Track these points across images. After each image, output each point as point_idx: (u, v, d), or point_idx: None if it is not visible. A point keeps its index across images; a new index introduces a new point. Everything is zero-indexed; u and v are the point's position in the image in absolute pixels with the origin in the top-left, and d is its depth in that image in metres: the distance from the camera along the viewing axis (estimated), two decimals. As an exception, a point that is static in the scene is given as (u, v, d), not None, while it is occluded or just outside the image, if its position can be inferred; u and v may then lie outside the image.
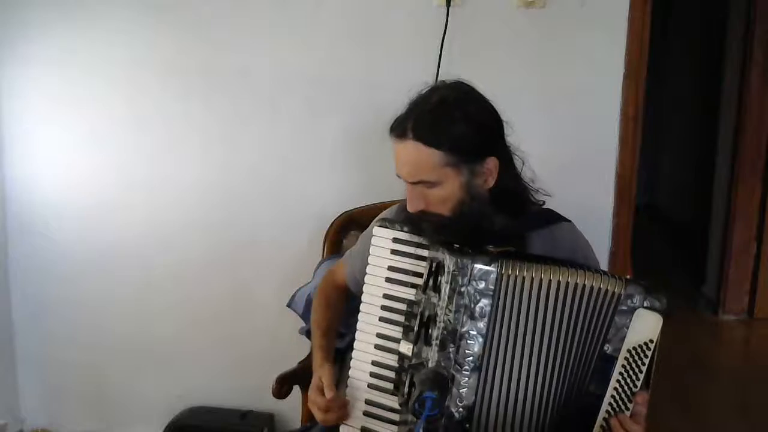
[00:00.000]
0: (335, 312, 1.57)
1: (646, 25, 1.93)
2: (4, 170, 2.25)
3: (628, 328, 1.20)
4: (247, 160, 2.14)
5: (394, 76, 2.01)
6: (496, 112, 1.34)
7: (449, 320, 1.23)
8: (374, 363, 1.32)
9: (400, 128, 1.28)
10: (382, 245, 1.34)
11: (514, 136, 1.40)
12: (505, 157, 1.35)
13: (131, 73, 2.12)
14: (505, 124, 1.35)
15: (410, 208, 1.31)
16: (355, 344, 1.34)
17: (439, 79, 1.95)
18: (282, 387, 1.64)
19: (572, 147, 1.99)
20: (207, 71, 2.10)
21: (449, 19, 1.94)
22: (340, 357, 1.53)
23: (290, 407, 1.90)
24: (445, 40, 1.94)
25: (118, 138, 2.17)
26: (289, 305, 1.81)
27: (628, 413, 1.22)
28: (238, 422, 2.18)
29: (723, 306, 3.64)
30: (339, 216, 1.93)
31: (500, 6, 1.94)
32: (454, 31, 1.95)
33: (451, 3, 1.93)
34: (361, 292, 1.52)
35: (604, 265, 1.99)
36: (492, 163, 1.30)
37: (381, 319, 1.32)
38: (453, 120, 1.26)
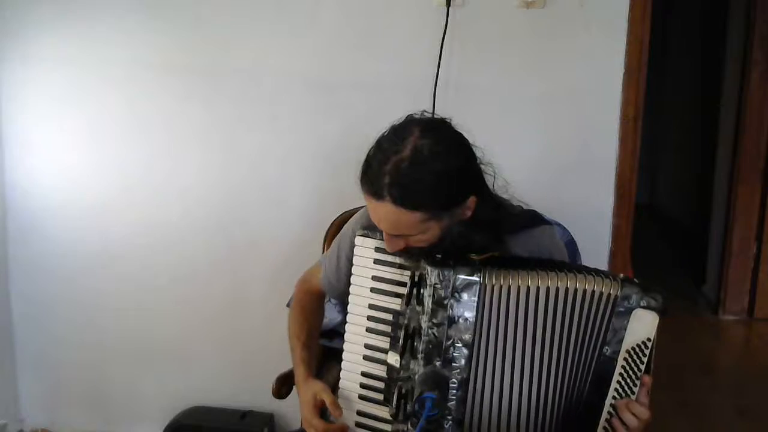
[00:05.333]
0: (314, 321, 1.55)
1: (646, 25, 1.93)
2: (4, 170, 2.24)
3: (626, 329, 1.19)
4: (247, 160, 2.14)
5: (394, 76, 2.01)
6: (470, 147, 1.26)
7: (433, 333, 1.21)
8: (364, 374, 1.31)
9: (374, 186, 1.19)
10: (364, 255, 1.32)
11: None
12: (481, 186, 1.30)
13: (131, 73, 2.12)
14: (476, 149, 1.28)
15: (390, 250, 1.26)
16: (344, 355, 1.34)
17: (436, 81, 1.96)
18: (282, 387, 1.64)
19: (572, 147, 1.99)
20: (207, 71, 2.10)
21: (449, 19, 1.94)
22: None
23: (290, 407, 1.90)
24: (445, 40, 1.94)
25: (118, 138, 2.17)
26: (289, 305, 1.80)
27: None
28: (238, 422, 2.18)
29: (723, 306, 3.63)
30: (339, 216, 1.93)
31: (500, 6, 1.94)
32: (454, 31, 1.95)
33: (451, 3, 1.93)
34: (338, 296, 1.52)
35: (603, 266, 1.99)
36: (471, 201, 1.25)
37: (368, 329, 1.31)
38: (431, 177, 1.17)
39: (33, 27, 2.13)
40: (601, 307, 1.20)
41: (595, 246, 1.97)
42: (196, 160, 2.16)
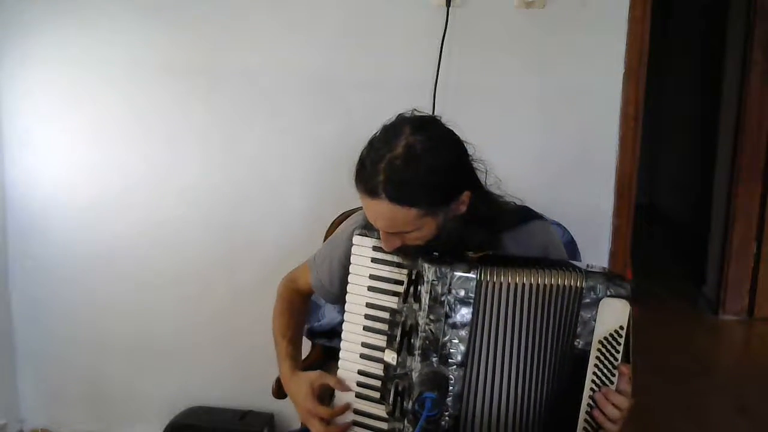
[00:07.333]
0: (299, 319, 1.55)
1: (646, 25, 1.93)
2: (4, 170, 2.24)
3: (595, 320, 1.20)
4: (246, 160, 2.14)
5: (394, 76, 2.01)
6: (462, 144, 1.28)
7: (430, 330, 1.22)
8: (360, 372, 1.32)
9: (369, 185, 1.20)
10: (362, 254, 1.33)
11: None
12: (475, 181, 1.31)
13: (131, 72, 2.12)
14: (468, 146, 1.29)
15: (387, 248, 1.28)
16: (341, 354, 1.34)
17: (435, 89, 1.96)
18: (282, 387, 1.64)
19: (572, 147, 1.99)
20: (207, 71, 2.10)
21: (449, 19, 1.94)
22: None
23: (290, 407, 1.88)
24: (445, 40, 1.94)
25: (118, 138, 2.17)
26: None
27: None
28: (238, 422, 2.18)
29: (723, 306, 3.63)
30: (339, 216, 1.93)
31: (500, 6, 1.94)
32: (454, 31, 1.95)
33: (451, 3, 1.93)
34: (330, 299, 1.53)
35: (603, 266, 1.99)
36: (465, 196, 1.27)
37: (365, 328, 1.32)
38: (425, 173, 1.19)
39: (33, 27, 2.13)
40: (570, 300, 1.22)
41: (595, 246, 1.97)
42: (196, 159, 2.16)
